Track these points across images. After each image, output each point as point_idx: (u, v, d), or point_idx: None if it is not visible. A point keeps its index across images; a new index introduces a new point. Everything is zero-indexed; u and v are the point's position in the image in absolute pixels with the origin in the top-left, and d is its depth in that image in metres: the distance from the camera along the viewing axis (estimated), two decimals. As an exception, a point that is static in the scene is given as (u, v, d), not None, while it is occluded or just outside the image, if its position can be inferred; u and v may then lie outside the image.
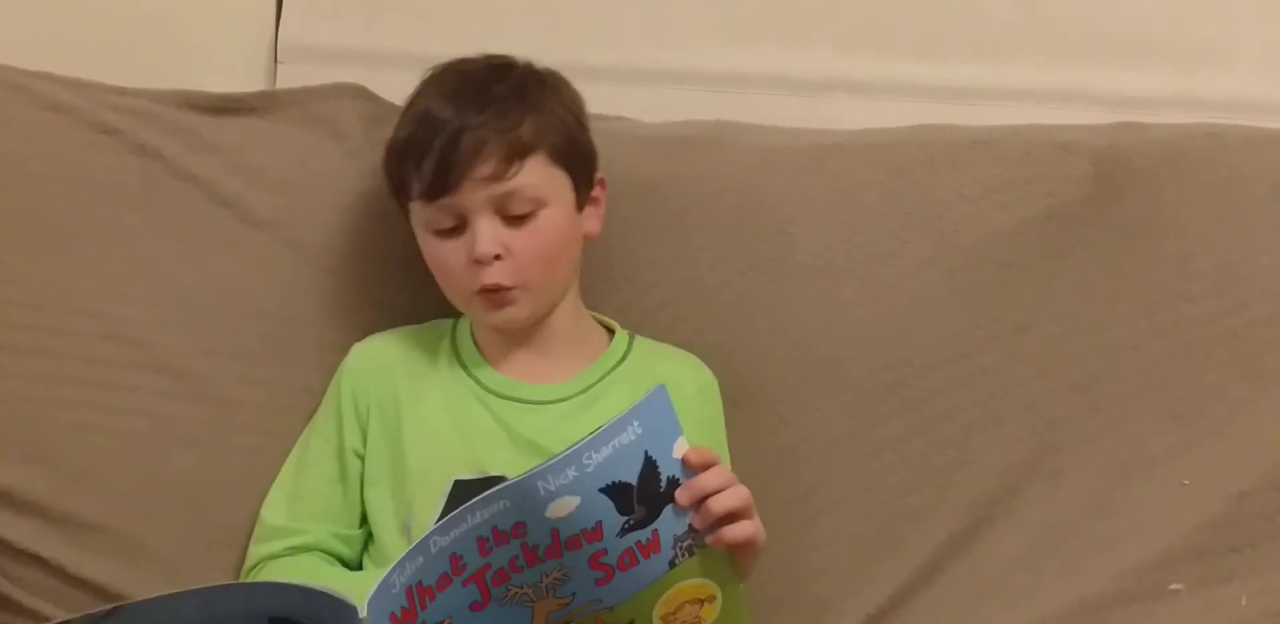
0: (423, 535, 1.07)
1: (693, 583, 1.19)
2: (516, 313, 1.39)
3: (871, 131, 1.60)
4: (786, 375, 1.51)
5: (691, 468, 1.16)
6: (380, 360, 1.45)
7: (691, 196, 1.55)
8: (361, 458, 1.42)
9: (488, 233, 1.35)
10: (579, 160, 1.42)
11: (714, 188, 1.55)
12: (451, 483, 1.37)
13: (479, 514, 1.08)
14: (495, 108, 1.36)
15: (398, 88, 1.55)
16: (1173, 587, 1.46)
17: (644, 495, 1.14)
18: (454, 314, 1.49)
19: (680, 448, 1.16)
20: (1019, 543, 1.48)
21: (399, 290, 1.53)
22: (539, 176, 1.37)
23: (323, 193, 1.55)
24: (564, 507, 1.11)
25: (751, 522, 1.20)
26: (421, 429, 1.41)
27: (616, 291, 1.52)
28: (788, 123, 1.63)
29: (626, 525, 1.14)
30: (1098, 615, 1.45)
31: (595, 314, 1.51)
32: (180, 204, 1.54)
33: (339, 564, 1.41)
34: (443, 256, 1.39)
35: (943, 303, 1.52)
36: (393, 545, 1.38)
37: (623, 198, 1.53)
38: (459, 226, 1.37)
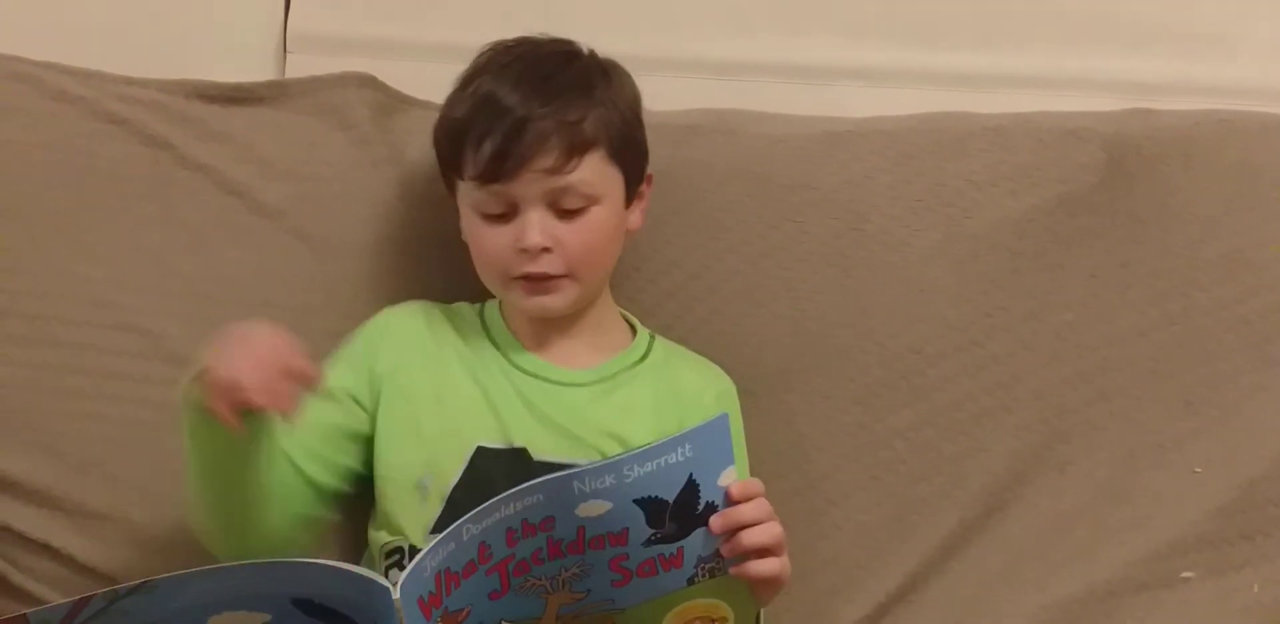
0: (453, 524, 1.07)
1: (707, 602, 1.20)
2: (555, 302, 1.38)
3: (881, 119, 1.60)
4: (796, 364, 1.51)
5: (732, 500, 1.17)
6: (410, 322, 1.44)
7: (700, 185, 1.55)
8: (361, 406, 1.39)
9: (538, 224, 1.34)
10: (634, 158, 1.41)
11: (723, 176, 1.55)
12: (475, 449, 1.36)
13: (513, 505, 1.09)
14: (561, 99, 1.35)
15: (407, 77, 1.56)
16: (1184, 575, 1.46)
17: (678, 514, 1.15)
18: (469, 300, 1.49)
19: (728, 477, 1.16)
20: (1029, 531, 1.48)
21: (407, 280, 1.52)
22: (595, 173, 1.36)
23: (331, 182, 1.54)
24: (595, 509, 1.11)
25: (779, 559, 1.20)
26: (447, 393, 1.40)
27: (626, 280, 1.51)
28: (797, 111, 1.62)
29: (653, 537, 1.15)
30: (1108, 603, 1.46)
31: (620, 310, 1.50)
32: (188, 194, 1.54)
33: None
34: (488, 240, 1.38)
35: (952, 291, 1.52)
36: (404, 504, 1.36)
37: (631, 186, 1.53)
38: (508, 213, 1.36)
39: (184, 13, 1.68)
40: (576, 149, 1.34)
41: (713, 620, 1.21)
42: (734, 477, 1.17)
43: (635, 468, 1.11)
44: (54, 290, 1.50)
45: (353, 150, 1.55)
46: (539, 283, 1.37)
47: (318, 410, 1.33)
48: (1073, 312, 1.52)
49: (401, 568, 1.34)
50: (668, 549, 1.16)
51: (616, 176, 1.39)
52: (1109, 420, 1.50)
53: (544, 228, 1.34)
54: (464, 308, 1.48)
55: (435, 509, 1.35)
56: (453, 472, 1.36)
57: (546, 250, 1.35)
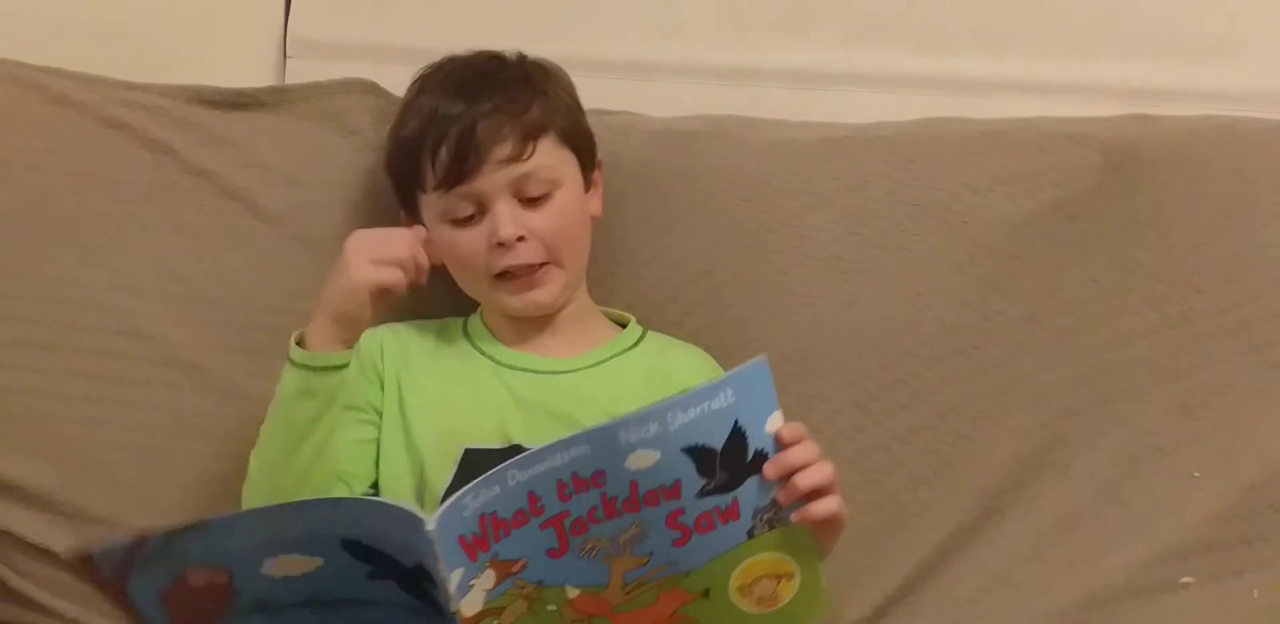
0: (493, 470, 1.07)
1: (770, 556, 1.19)
2: (543, 295, 1.40)
3: (880, 124, 1.60)
4: (795, 368, 1.50)
5: (782, 444, 1.16)
6: (394, 336, 1.46)
7: (699, 190, 1.55)
8: (378, 415, 1.42)
9: (508, 215, 1.37)
10: (584, 142, 1.45)
11: (722, 181, 1.55)
12: (462, 451, 1.37)
13: (560, 455, 1.08)
14: (504, 94, 1.39)
15: (406, 83, 1.55)
16: (1183, 579, 1.46)
17: (727, 462, 1.14)
18: (463, 310, 1.49)
19: (774, 422, 1.16)
20: (1028, 535, 1.48)
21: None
22: (552, 157, 1.40)
23: (332, 188, 1.55)
24: (643, 460, 1.11)
25: (835, 497, 1.20)
26: (432, 398, 1.41)
27: (624, 285, 1.52)
28: (795, 116, 1.63)
29: (706, 488, 1.14)
30: (1107, 608, 1.46)
31: (609, 309, 1.51)
32: (190, 198, 1.54)
33: None
34: (461, 245, 1.40)
35: (951, 294, 1.52)
36: None
37: (631, 192, 1.53)
38: (476, 214, 1.39)
39: (184, 17, 1.69)
40: (530, 134, 1.38)
41: (779, 577, 1.20)
42: (780, 422, 1.16)
43: (679, 414, 1.10)
44: (56, 295, 1.50)
45: (354, 156, 1.56)
46: (524, 278, 1.38)
47: (350, 428, 1.37)
48: (1071, 315, 1.52)
49: None
50: (722, 500, 1.15)
51: (571, 160, 1.42)
52: (1108, 424, 1.50)
53: (515, 218, 1.37)
54: (445, 323, 1.49)
55: (432, 507, 1.35)
56: (444, 476, 1.37)
57: (521, 239, 1.37)
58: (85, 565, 1.05)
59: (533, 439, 1.36)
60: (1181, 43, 1.67)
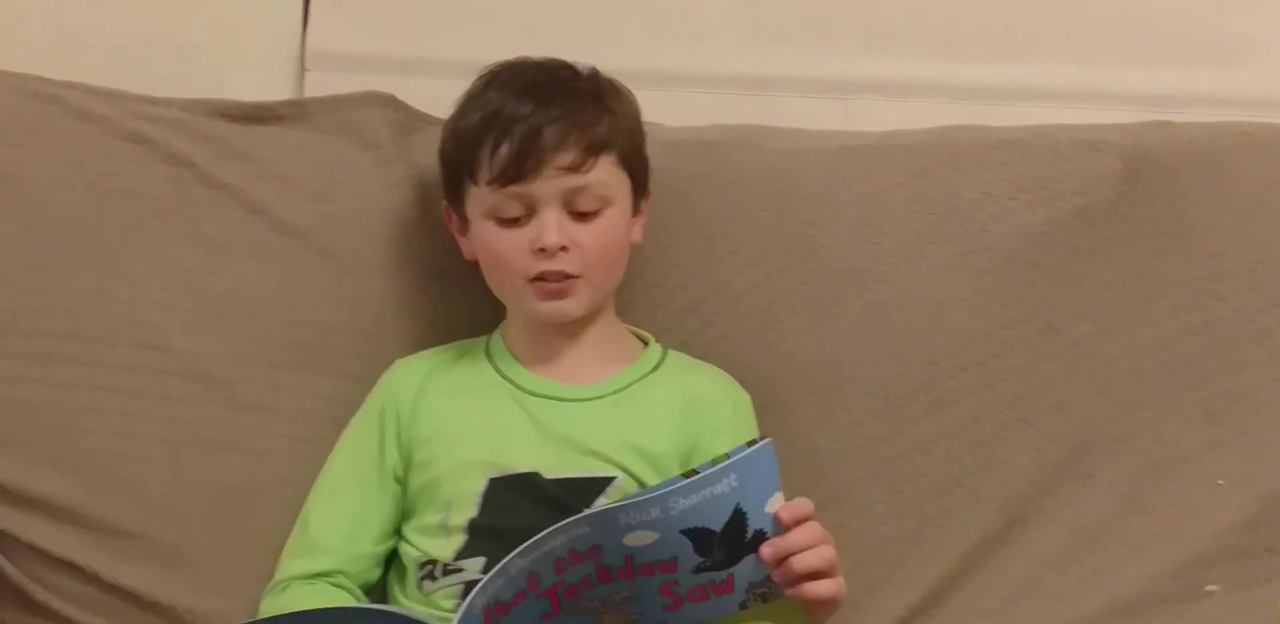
0: (501, 562, 1.08)
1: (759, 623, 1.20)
2: (570, 306, 1.39)
3: (898, 133, 1.60)
4: (814, 378, 1.50)
5: (783, 526, 1.17)
6: (418, 376, 1.46)
7: (718, 200, 1.55)
8: (399, 480, 1.43)
9: (556, 224, 1.36)
10: (641, 167, 1.44)
11: (740, 191, 1.55)
12: (487, 481, 1.37)
13: (559, 538, 1.09)
14: (574, 103, 1.38)
15: (425, 95, 1.57)
16: (1208, 588, 1.45)
17: (725, 542, 1.15)
18: (484, 324, 1.49)
19: (775, 503, 1.17)
20: (1051, 544, 1.48)
21: (428, 299, 1.53)
22: (609, 175, 1.39)
23: (352, 201, 1.55)
24: (642, 538, 1.12)
25: (835, 581, 1.21)
26: (456, 431, 1.41)
27: (643, 296, 1.52)
28: (814, 125, 1.62)
29: (702, 566, 1.15)
30: (1132, 617, 1.45)
31: (630, 327, 1.51)
32: (211, 212, 1.54)
33: (362, 596, 1.42)
34: (502, 244, 1.39)
35: (971, 303, 1.52)
36: (428, 538, 1.38)
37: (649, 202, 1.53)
38: (523, 217, 1.38)
39: (202, 32, 1.69)
40: (594, 148, 1.37)
41: None
42: (781, 502, 1.16)
43: (680, 500, 1.11)
44: (79, 309, 1.50)
45: (373, 169, 1.56)
46: (554, 286, 1.38)
47: (369, 505, 1.41)
48: (1092, 323, 1.51)
49: (433, 578, 1.37)
50: (717, 576, 1.16)
51: (626, 182, 1.42)
52: (1130, 432, 1.50)
53: (561, 227, 1.36)
54: (470, 345, 1.49)
55: (459, 540, 1.36)
56: (469, 508, 1.37)
57: (564, 249, 1.36)
58: None
59: (553, 470, 1.36)
60: (1201, 48, 1.67)
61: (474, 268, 1.45)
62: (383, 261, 1.53)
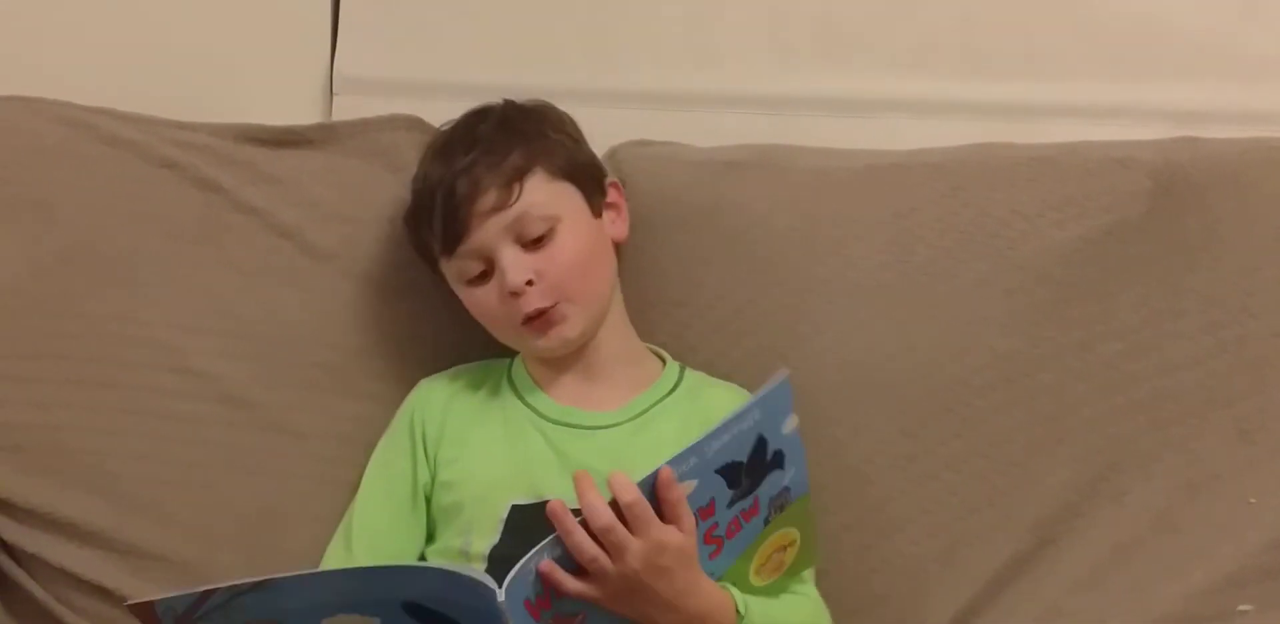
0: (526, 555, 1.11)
1: (778, 533, 1.23)
2: (567, 332, 1.40)
3: (926, 151, 1.60)
4: (843, 397, 1.50)
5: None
6: (443, 396, 1.47)
7: (745, 220, 1.54)
8: (429, 498, 1.43)
9: (513, 263, 1.37)
10: (580, 169, 1.44)
11: (767, 210, 1.55)
12: (509, 508, 1.37)
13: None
14: (481, 146, 1.40)
15: (452, 118, 1.57)
16: (1241, 607, 1.44)
17: (751, 470, 1.18)
18: (509, 351, 1.49)
19: (791, 424, 1.19)
20: (1083, 564, 1.46)
21: (455, 322, 1.52)
22: (543, 193, 1.39)
23: (380, 224, 1.56)
24: (684, 489, 1.14)
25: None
26: (478, 457, 1.42)
27: (669, 316, 1.52)
28: (841, 144, 1.62)
29: (734, 498, 1.18)
30: (1166, 637, 1.44)
31: (648, 345, 1.51)
32: (240, 236, 1.55)
33: None
34: (481, 301, 1.41)
35: (1001, 322, 1.51)
36: (449, 561, 1.38)
37: (676, 222, 1.54)
38: (488, 270, 1.40)
39: (231, 57, 1.70)
40: (511, 178, 1.38)
41: (784, 548, 1.25)
42: (795, 422, 1.19)
43: (713, 443, 1.14)
44: (109, 333, 1.51)
45: (402, 192, 1.55)
46: (541, 320, 1.39)
47: (406, 527, 1.42)
48: (1123, 341, 1.50)
49: None
50: (746, 502, 1.19)
51: (569, 190, 1.42)
52: (1163, 451, 1.48)
53: (518, 264, 1.37)
54: (493, 367, 1.50)
55: (479, 566, 1.36)
56: (491, 534, 1.37)
57: (530, 283, 1.37)
58: (146, 614, 1.07)
59: (574, 499, 1.35)
60: (1230, 64, 1.66)
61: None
62: (409, 284, 1.54)
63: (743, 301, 1.53)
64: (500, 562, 1.33)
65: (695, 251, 1.50)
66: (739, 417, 1.15)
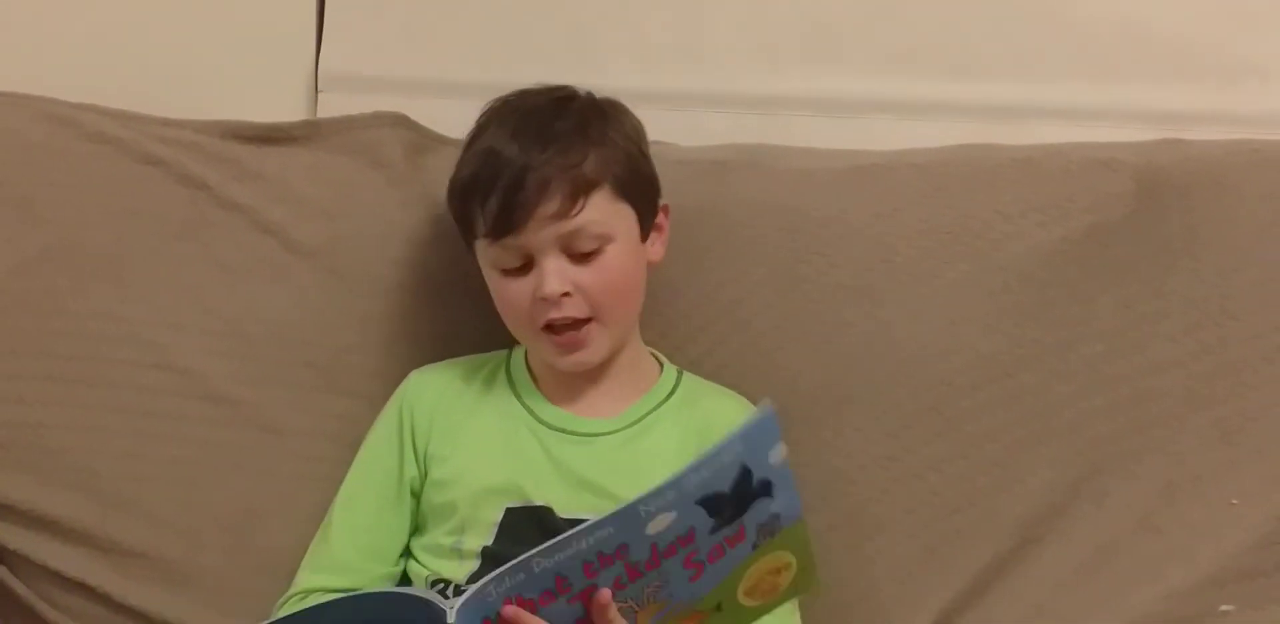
0: (523, 555, 1.10)
1: (770, 557, 1.21)
2: (587, 356, 1.39)
3: (910, 152, 1.60)
4: (827, 397, 1.50)
5: None
6: (435, 390, 1.46)
7: (730, 220, 1.55)
8: (416, 494, 1.43)
9: (554, 272, 1.35)
10: (642, 191, 1.41)
11: (752, 210, 1.55)
12: (504, 510, 1.37)
13: (585, 541, 1.11)
14: (558, 145, 1.35)
15: (438, 116, 1.57)
16: (1223, 608, 1.45)
17: (735, 499, 1.16)
18: (497, 342, 1.49)
19: (777, 454, 1.17)
20: (1065, 564, 1.47)
21: (442, 319, 1.53)
22: (604, 212, 1.36)
23: (365, 221, 1.55)
24: (662, 522, 1.13)
25: None
26: (474, 456, 1.41)
27: (656, 315, 1.51)
28: (826, 144, 1.62)
29: (716, 526, 1.16)
30: (1147, 637, 1.44)
31: (649, 348, 1.50)
32: (225, 233, 1.55)
33: None
34: (509, 293, 1.39)
35: (984, 322, 1.51)
36: (440, 561, 1.39)
37: (660, 222, 1.54)
38: (526, 265, 1.37)
39: (216, 53, 1.69)
40: (580, 191, 1.34)
41: (778, 571, 1.22)
42: (784, 451, 1.16)
43: (693, 476, 1.12)
44: (93, 330, 1.51)
45: (386, 189, 1.56)
46: (569, 336, 1.37)
47: (389, 523, 1.42)
48: (1105, 342, 1.51)
49: (445, 597, 1.35)
50: (730, 530, 1.17)
51: (627, 212, 1.39)
52: (1144, 452, 1.49)
53: (561, 274, 1.35)
54: (489, 360, 1.49)
55: (472, 564, 1.37)
56: (484, 535, 1.37)
57: (567, 295, 1.35)
58: None
59: (566, 509, 1.36)
60: (1213, 67, 1.66)
61: (486, 287, 1.45)
62: (395, 281, 1.54)
63: (728, 302, 1.53)
64: (493, 559, 1.35)
65: (680, 251, 1.49)
66: (720, 450, 1.13)
